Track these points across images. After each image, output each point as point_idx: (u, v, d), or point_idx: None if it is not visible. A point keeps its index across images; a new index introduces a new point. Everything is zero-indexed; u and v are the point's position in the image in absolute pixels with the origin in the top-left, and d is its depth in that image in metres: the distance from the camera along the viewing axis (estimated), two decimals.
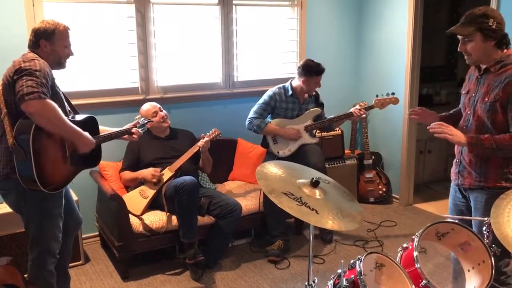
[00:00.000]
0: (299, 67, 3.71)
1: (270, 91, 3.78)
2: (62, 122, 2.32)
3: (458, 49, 2.33)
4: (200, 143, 3.53)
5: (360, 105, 3.88)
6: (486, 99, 2.26)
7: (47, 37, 2.44)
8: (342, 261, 2.06)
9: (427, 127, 2.34)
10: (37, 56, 2.38)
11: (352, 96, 4.93)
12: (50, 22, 2.47)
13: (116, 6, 3.75)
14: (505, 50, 2.26)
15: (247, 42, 4.32)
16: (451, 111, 2.66)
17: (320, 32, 4.67)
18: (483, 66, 2.32)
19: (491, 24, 2.19)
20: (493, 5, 3.63)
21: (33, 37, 2.45)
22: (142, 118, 3.12)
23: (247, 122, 3.74)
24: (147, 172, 3.45)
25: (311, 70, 3.64)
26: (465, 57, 2.33)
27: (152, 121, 3.39)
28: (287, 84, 3.78)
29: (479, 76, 2.35)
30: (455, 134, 2.27)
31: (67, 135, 2.41)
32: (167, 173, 3.44)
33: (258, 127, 3.69)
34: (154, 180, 3.42)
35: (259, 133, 3.74)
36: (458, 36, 2.30)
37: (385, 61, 4.69)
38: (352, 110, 3.71)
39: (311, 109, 3.80)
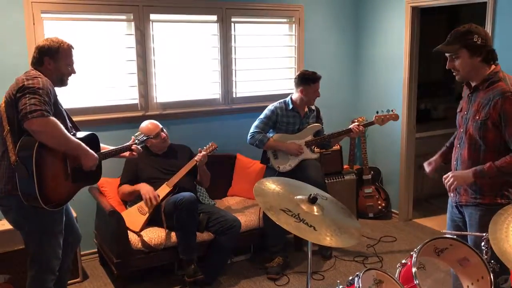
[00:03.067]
0: (295, 78, 3.76)
1: (272, 106, 3.81)
2: (66, 138, 2.34)
3: (446, 67, 2.38)
4: (197, 157, 3.54)
5: (358, 121, 3.90)
6: (477, 118, 2.29)
7: (51, 55, 2.46)
8: (338, 281, 2.06)
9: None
10: (40, 74, 2.40)
11: (351, 111, 4.95)
12: (54, 40, 2.50)
13: (115, 24, 3.79)
14: (492, 66, 2.29)
15: (245, 59, 4.36)
16: (447, 143, 2.68)
17: (318, 49, 4.72)
18: (473, 84, 2.35)
19: (476, 40, 2.24)
20: (488, 23, 3.67)
21: (37, 54, 2.47)
22: (142, 135, 3.13)
23: (248, 137, 3.76)
24: (145, 190, 3.41)
25: (308, 78, 3.68)
26: (454, 73, 2.37)
27: (151, 137, 3.40)
28: (288, 99, 3.81)
29: (470, 94, 2.38)
30: (459, 177, 2.35)
31: (71, 151, 2.43)
32: (165, 189, 3.44)
33: (260, 142, 3.70)
34: (148, 203, 3.36)
35: (261, 148, 3.75)
36: (446, 54, 2.35)
37: (383, 76, 4.72)
38: (351, 126, 3.73)
39: (311, 125, 3.82)
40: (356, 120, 4.00)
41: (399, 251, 4.04)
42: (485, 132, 2.27)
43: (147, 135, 3.37)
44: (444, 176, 2.42)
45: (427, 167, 2.64)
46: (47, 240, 2.49)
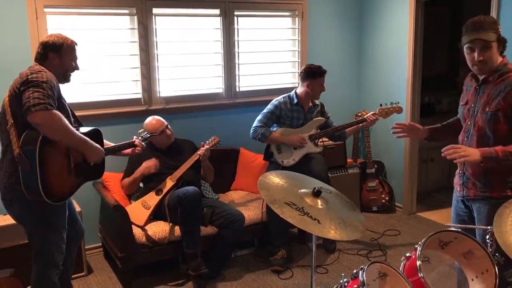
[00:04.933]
0: (301, 72, 3.75)
1: (276, 100, 3.80)
2: (69, 132, 2.34)
3: (476, 59, 2.23)
4: (200, 151, 3.55)
5: (362, 114, 3.90)
6: (487, 109, 2.26)
7: (55, 50, 2.48)
8: (343, 274, 2.06)
9: (442, 152, 2.24)
10: (44, 68, 2.41)
11: (354, 105, 4.94)
12: (58, 36, 2.52)
13: (118, 18, 3.79)
14: (501, 58, 2.28)
15: (248, 53, 4.35)
16: (444, 123, 2.68)
17: (321, 42, 4.70)
18: (481, 77, 2.33)
19: (500, 31, 2.23)
20: (493, 15, 3.65)
21: (41, 49, 2.48)
22: (145, 132, 3.14)
23: (251, 131, 3.75)
24: (143, 166, 3.45)
25: (314, 72, 3.68)
26: (478, 67, 2.26)
27: (155, 134, 3.40)
28: (292, 93, 3.80)
29: (477, 87, 2.36)
30: (470, 154, 2.18)
31: (75, 145, 2.43)
32: (169, 183, 3.45)
33: (263, 136, 3.69)
34: (156, 166, 3.41)
35: (263, 141, 3.75)
36: (469, 45, 2.23)
37: (387, 70, 4.70)
38: (366, 116, 3.72)
39: (315, 119, 3.82)
40: (360, 114, 3.99)
41: (402, 244, 4.04)
42: (495, 124, 2.24)
43: (152, 132, 3.37)
44: (453, 145, 2.22)
45: (400, 127, 2.60)
46: (50, 235, 2.50)
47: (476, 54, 2.23)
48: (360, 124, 3.77)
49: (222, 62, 4.22)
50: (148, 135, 3.14)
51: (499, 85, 2.25)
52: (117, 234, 3.30)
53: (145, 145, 3.02)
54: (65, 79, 2.58)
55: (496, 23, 2.23)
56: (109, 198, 3.38)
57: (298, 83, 3.81)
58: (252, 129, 3.75)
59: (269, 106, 3.79)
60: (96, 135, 2.60)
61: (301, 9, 4.51)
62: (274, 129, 3.79)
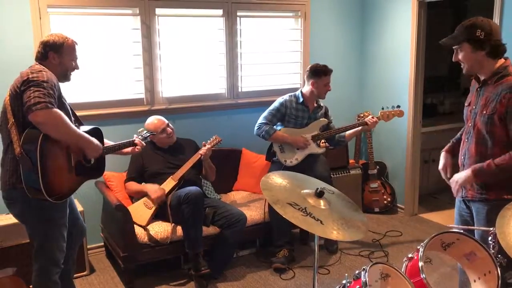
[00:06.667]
0: (307, 71, 3.77)
1: (281, 98, 3.81)
2: (70, 130, 2.36)
3: (453, 59, 2.38)
4: (202, 151, 3.55)
5: (365, 115, 3.91)
6: (485, 112, 2.27)
7: (56, 50, 2.49)
8: (346, 274, 2.06)
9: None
10: (44, 68, 2.42)
11: (356, 106, 4.94)
12: (58, 35, 2.53)
13: (121, 18, 3.80)
14: (502, 60, 2.27)
15: (251, 53, 4.35)
16: (456, 137, 2.66)
17: (324, 43, 4.70)
18: (482, 78, 2.33)
19: (479, 34, 2.21)
20: (496, 15, 3.65)
21: (42, 49, 2.49)
22: (145, 131, 3.15)
23: (256, 127, 3.76)
24: (153, 190, 3.42)
25: (319, 71, 3.69)
26: (461, 65, 2.37)
27: (155, 134, 3.40)
28: (298, 92, 3.82)
29: (478, 88, 2.37)
30: (461, 178, 2.34)
31: (75, 142, 2.45)
32: (170, 182, 3.45)
33: (267, 133, 3.70)
34: (156, 203, 3.38)
35: (267, 139, 3.76)
36: (453, 47, 2.35)
37: (389, 71, 4.70)
38: (367, 119, 3.73)
39: (318, 120, 3.83)
40: (362, 115, 4.00)
41: (404, 245, 4.04)
42: (492, 127, 2.25)
43: (153, 131, 3.37)
44: (450, 181, 2.43)
45: (444, 175, 2.60)
46: (51, 233, 2.50)
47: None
48: (360, 128, 3.77)
49: (225, 63, 4.22)
50: (148, 134, 3.15)
51: (497, 88, 2.25)
52: (119, 234, 3.31)
53: (144, 144, 3.02)
54: (65, 78, 2.59)
55: (471, 27, 2.23)
56: (111, 197, 3.39)
57: (304, 81, 3.82)
58: (256, 125, 3.76)
59: (275, 104, 3.80)
60: (96, 134, 2.61)
61: (304, 10, 4.52)
62: (278, 127, 3.80)
